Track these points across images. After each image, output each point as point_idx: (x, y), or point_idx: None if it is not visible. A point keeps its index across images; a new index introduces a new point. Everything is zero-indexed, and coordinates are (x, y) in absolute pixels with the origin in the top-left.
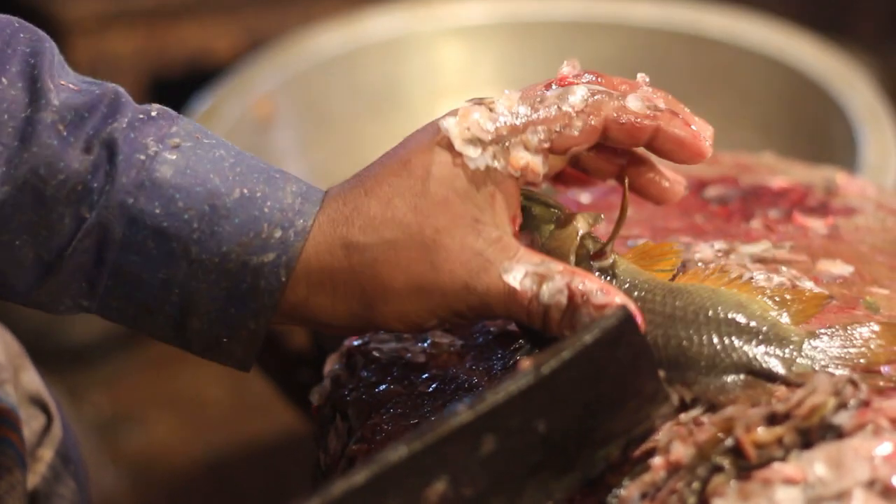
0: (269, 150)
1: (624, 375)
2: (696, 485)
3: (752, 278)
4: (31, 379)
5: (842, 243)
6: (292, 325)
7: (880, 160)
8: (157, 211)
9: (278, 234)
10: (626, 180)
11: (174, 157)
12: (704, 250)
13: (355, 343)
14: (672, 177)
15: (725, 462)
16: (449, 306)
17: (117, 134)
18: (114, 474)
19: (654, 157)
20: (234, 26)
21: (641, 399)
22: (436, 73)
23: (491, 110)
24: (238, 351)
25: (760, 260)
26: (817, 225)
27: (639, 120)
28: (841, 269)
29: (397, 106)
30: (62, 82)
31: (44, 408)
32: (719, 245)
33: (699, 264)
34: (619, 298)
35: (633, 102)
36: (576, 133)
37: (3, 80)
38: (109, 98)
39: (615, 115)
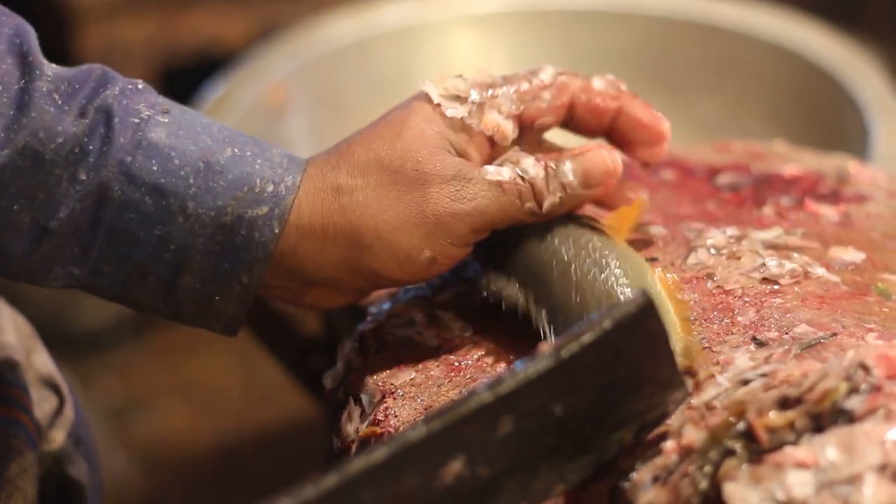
0: (282, 138)
1: (641, 361)
2: (707, 468)
3: (763, 265)
4: (43, 361)
5: (853, 230)
6: (279, 291)
7: (891, 149)
8: (155, 168)
9: (270, 188)
10: None
11: (166, 119)
12: (717, 236)
13: (368, 327)
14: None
15: (737, 446)
16: (441, 231)
17: (111, 100)
18: (125, 460)
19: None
20: (246, 14)
21: (657, 384)
22: (448, 61)
23: (466, 79)
24: (229, 309)
25: (772, 246)
26: (829, 212)
27: (602, 99)
28: (853, 255)
29: (410, 94)
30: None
31: (56, 390)
32: (731, 231)
33: (711, 251)
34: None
35: (598, 83)
36: (544, 105)
37: None
38: (98, 72)
39: (580, 92)
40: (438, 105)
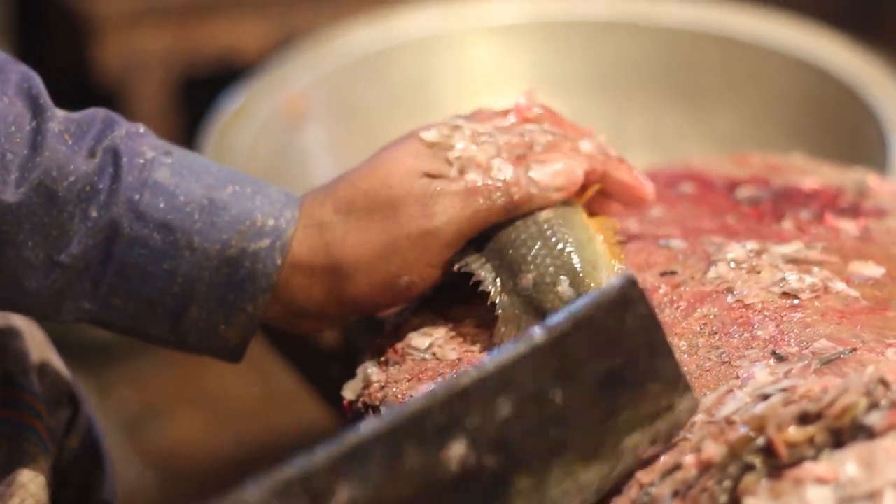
0: (300, 148)
1: (637, 350)
2: (727, 483)
3: (783, 279)
4: (57, 368)
5: (873, 245)
6: (274, 321)
7: None
8: (162, 205)
9: (271, 222)
10: None
11: (169, 160)
12: (737, 250)
13: (388, 340)
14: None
15: (757, 461)
16: (417, 253)
17: (118, 141)
18: (140, 469)
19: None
20: (265, 23)
21: (662, 384)
22: (467, 71)
23: (458, 127)
24: (234, 337)
25: (792, 261)
26: (849, 226)
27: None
28: (872, 270)
29: (428, 104)
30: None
31: (70, 398)
32: (751, 245)
33: (731, 265)
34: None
35: (585, 145)
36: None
37: (4, 98)
38: (102, 114)
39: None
40: (419, 137)
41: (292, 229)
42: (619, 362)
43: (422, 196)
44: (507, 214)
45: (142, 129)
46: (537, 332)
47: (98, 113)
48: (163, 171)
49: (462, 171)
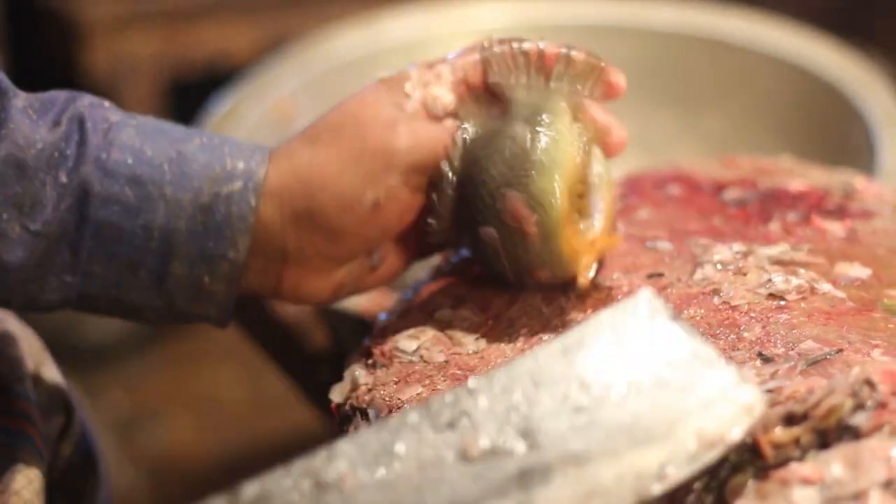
0: None
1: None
2: (713, 484)
3: (770, 280)
4: (52, 375)
5: (859, 246)
6: (260, 276)
7: None
8: (130, 161)
9: (241, 165)
10: None
11: (134, 122)
12: (723, 252)
13: (375, 342)
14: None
15: (743, 462)
16: (380, 169)
17: (82, 109)
18: (133, 473)
19: None
20: (253, 27)
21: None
22: None
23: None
24: (220, 291)
25: (779, 262)
26: (835, 228)
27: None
28: (859, 271)
29: None
30: None
31: (64, 404)
32: (738, 247)
33: (718, 266)
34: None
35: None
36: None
37: None
38: (65, 92)
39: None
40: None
41: (263, 169)
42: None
43: (388, 119)
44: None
45: (106, 103)
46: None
47: (61, 92)
48: (128, 130)
49: (420, 103)
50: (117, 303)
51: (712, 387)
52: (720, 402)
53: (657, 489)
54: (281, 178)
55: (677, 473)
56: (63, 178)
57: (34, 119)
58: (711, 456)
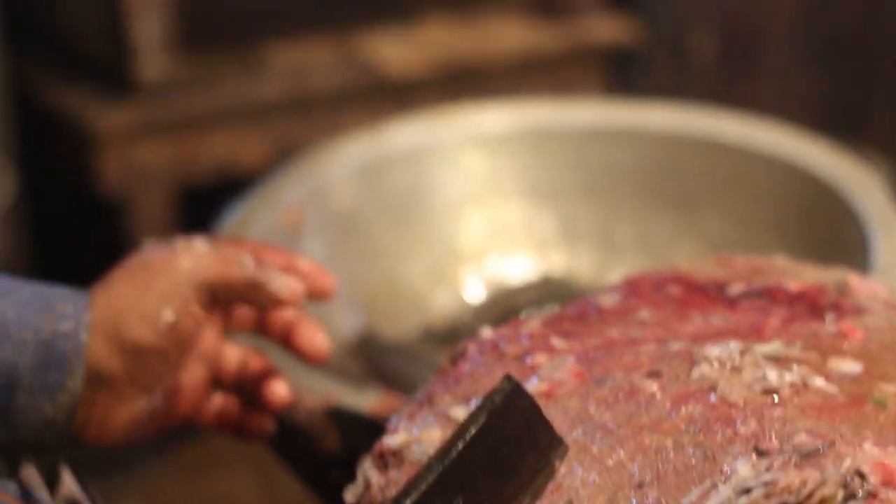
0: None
1: (520, 436)
2: None
3: (764, 377)
4: (67, 483)
5: (851, 342)
6: (92, 414)
7: (892, 261)
8: None
9: (70, 308)
10: None
11: None
12: (720, 350)
13: (387, 443)
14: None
15: None
16: (174, 291)
17: None
18: None
19: None
20: (262, 135)
21: (539, 451)
22: (459, 180)
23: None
24: (61, 418)
25: (773, 359)
26: (828, 324)
27: None
28: (850, 366)
29: (422, 213)
30: None
31: None
32: (734, 345)
33: (714, 364)
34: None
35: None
36: None
37: None
38: None
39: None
40: None
41: (87, 311)
42: (506, 451)
43: (171, 251)
44: (244, 283)
45: None
46: (433, 464)
47: None
48: None
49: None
50: None
51: None
52: None
53: None
54: (102, 312)
55: None
56: None
57: None
58: None
